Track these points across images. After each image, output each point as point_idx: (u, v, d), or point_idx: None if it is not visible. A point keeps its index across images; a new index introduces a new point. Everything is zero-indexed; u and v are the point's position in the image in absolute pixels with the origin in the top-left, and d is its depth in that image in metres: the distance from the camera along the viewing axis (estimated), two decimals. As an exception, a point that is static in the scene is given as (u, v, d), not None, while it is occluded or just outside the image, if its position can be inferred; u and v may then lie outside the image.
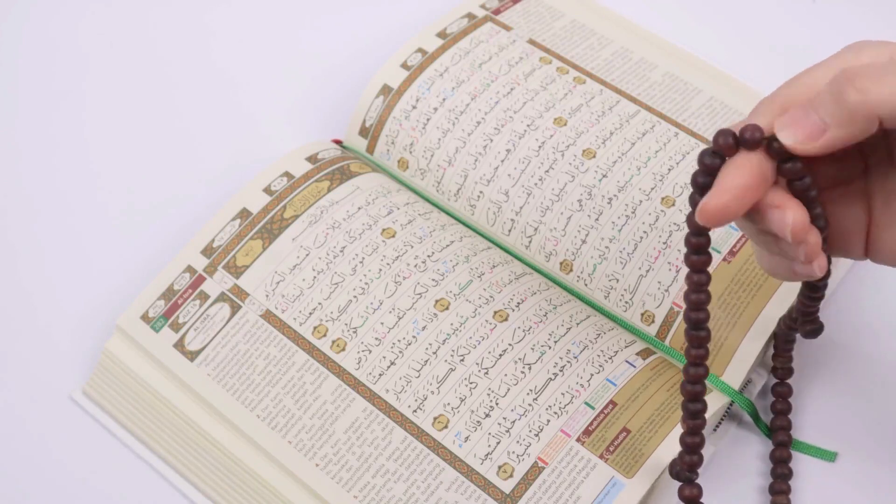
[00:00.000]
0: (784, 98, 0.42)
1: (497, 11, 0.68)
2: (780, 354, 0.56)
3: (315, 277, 0.58)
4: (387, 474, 0.53)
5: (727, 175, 0.41)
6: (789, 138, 0.41)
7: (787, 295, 0.56)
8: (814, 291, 0.50)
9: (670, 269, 0.57)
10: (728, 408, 0.56)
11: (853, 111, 0.40)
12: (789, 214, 0.41)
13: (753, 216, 0.43)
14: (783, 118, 0.41)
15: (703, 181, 0.42)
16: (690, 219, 0.43)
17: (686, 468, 0.49)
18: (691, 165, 0.60)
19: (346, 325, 0.56)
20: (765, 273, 0.52)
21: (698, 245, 0.43)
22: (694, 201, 0.43)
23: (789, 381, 0.56)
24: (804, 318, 0.52)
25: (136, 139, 0.69)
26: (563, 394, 0.54)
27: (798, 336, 0.55)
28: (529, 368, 0.55)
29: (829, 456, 0.55)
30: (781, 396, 0.56)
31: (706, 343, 0.45)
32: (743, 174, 0.41)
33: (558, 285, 0.59)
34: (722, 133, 0.41)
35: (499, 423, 0.53)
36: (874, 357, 0.59)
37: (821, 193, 0.44)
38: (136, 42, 0.74)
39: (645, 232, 0.58)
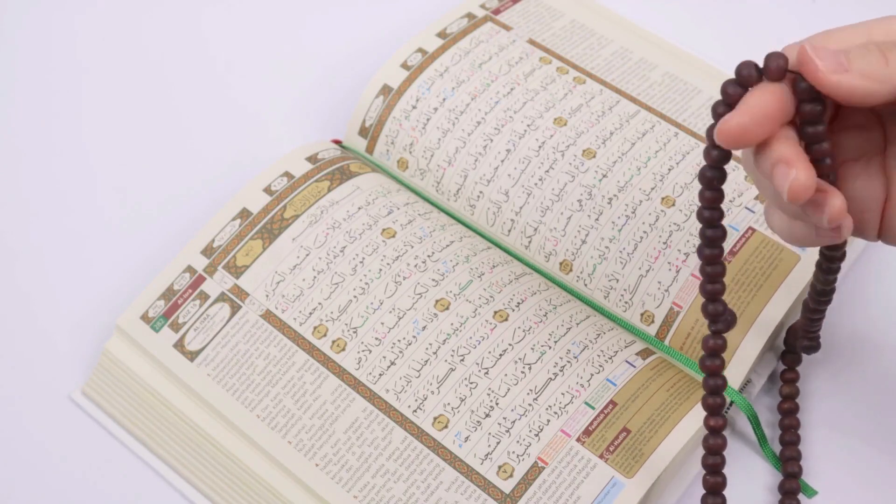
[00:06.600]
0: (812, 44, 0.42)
1: (497, 11, 0.68)
2: (787, 381, 0.56)
3: (315, 277, 0.58)
4: (387, 474, 0.53)
5: (750, 97, 0.41)
6: (814, 64, 0.40)
7: (787, 295, 0.56)
8: (831, 262, 0.49)
9: (670, 269, 0.57)
10: (727, 409, 0.56)
11: (888, 75, 0.40)
12: (793, 172, 0.40)
13: (763, 165, 0.42)
14: (810, 49, 0.41)
15: (724, 111, 0.41)
16: (707, 152, 0.42)
17: (709, 371, 0.46)
18: (692, 165, 0.60)
19: (346, 325, 0.56)
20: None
21: (711, 180, 0.42)
22: (711, 134, 0.42)
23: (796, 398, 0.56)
24: (805, 334, 0.53)
25: (136, 139, 0.69)
26: (563, 394, 0.54)
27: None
28: (529, 368, 0.55)
29: (810, 493, 0.55)
30: (791, 428, 0.55)
31: (720, 260, 0.44)
32: (765, 98, 0.41)
33: (558, 285, 0.59)
34: (745, 65, 0.41)
35: (499, 423, 0.53)
36: (877, 358, 0.59)
37: (840, 168, 0.44)
38: (135, 42, 0.74)
39: (645, 232, 0.58)
